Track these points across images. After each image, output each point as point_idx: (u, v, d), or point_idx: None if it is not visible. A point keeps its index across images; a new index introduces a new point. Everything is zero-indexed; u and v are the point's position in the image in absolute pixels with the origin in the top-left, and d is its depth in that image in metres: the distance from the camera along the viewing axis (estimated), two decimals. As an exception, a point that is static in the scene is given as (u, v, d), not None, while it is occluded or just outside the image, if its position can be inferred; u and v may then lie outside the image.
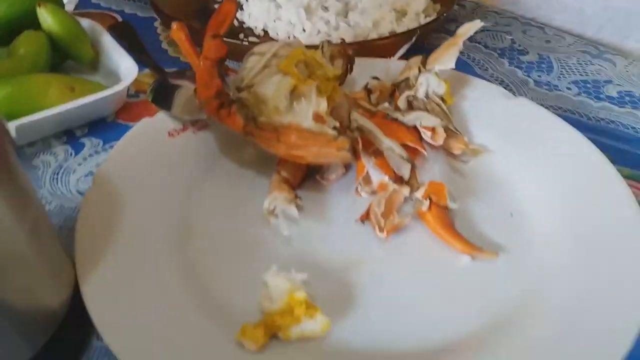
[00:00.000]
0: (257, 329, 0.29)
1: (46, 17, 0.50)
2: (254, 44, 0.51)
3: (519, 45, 0.57)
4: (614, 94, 0.50)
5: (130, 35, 0.58)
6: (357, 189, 0.38)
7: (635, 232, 0.33)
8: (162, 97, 0.45)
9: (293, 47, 0.40)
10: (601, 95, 0.50)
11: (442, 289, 0.33)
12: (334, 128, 0.35)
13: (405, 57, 0.48)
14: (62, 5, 0.54)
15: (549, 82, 0.52)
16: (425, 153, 0.40)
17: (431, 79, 0.42)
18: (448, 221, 0.35)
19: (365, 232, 0.36)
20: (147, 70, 0.52)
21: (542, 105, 0.46)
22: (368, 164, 0.37)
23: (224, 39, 0.39)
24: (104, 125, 0.46)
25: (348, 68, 0.45)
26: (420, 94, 0.42)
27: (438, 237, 0.35)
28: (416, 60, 0.44)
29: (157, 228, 0.34)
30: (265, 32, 0.58)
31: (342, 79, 0.44)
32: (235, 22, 0.59)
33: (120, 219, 0.34)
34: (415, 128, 0.41)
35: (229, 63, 0.53)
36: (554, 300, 0.31)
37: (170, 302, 0.31)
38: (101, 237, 0.32)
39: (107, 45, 0.51)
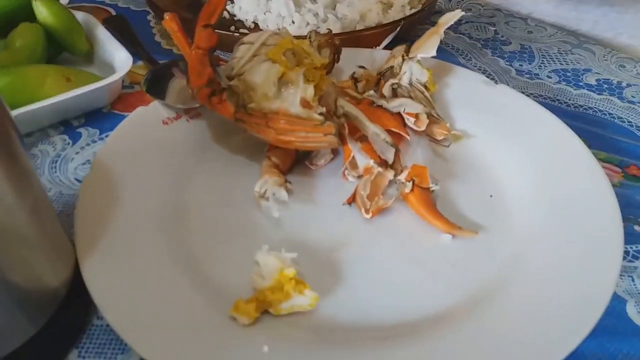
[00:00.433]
0: (249, 304, 0.31)
1: (42, 9, 0.51)
2: (244, 34, 0.52)
3: (502, 36, 0.59)
4: (593, 82, 0.52)
5: (124, 28, 0.59)
6: (344, 173, 0.40)
7: (606, 209, 0.35)
8: (156, 87, 0.46)
9: (281, 36, 0.42)
10: (580, 83, 0.52)
11: (424, 266, 0.35)
12: (321, 114, 0.37)
13: (390, 47, 0.49)
14: (57, -1, 0.55)
15: (530, 70, 0.54)
16: (409, 138, 0.42)
17: (414, 67, 0.44)
18: (430, 202, 0.37)
19: (352, 213, 0.38)
20: (141, 63, 0.54)
21: (523, 92, 0.48)
22: (354, 149, 0.39)
23: (215, 30, 0.40)
24: (100, 116, 0.48)
25: (335, 57, 0.47)
26: (404, 81, 0.44)
27: (420, 218, 0.37)
28: (400, 49, 0.45)
29: (153, 211, 0.36)
30: (256, 24, 0.59)
31: (329, 67, 0.46)
32: (226, 15, 0.61)
33: (117, 203, 0.35)
34: (399, 114, 0.43)
35: (220, 54, 0.54)
36: (530, 274, 0.33)
37: (166, 281, 0.32)
38: (99, 220, 0.34)
39: (101, 38, 0.53)
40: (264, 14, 0.59)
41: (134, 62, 0.50)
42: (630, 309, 0.33)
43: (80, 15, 0.54)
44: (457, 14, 0.44)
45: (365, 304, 0.33)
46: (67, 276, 0.31)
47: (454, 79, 0.47)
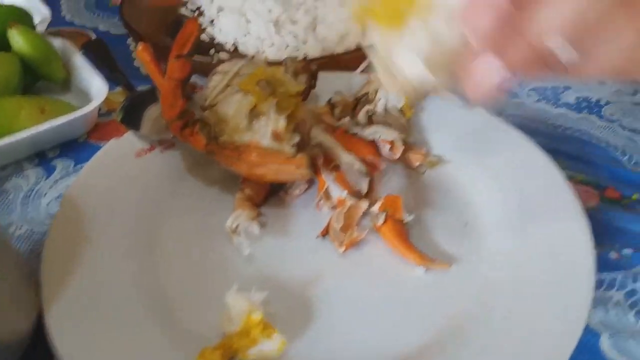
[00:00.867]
0: (216, 351, 0.30)
1: (17, 38, 0.51)
2: (221, 61, 0.52)
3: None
4: (572, 100, 0.52)
5: (103, 53, 0.59)
6: (318, 204, 0.40)
7: (578, 239, 0.35)
8: (131, 116, 0.46)
9: (255, 66, 0.41)
10: (560, 102, 0.52)
11: (397, 302, 0.34)
12: (294, 145, 0.37)
13: (369, 70, 0.49)
14: (33, 27, 0.55)
15: (510, 89, 0.54)
16: (383, 167, 0.41)
17: (390, 93, 0.43)
18: (403, 234, 0.37)
19: (326, 246, 0.37)
20: (119, 89, 0.54)
21: (502, 113, 0.48)
22: (328, 180, 0.39)
23: (195, 56, 0.40)
24: (76, 146, 0.47)
25: (311, 83, 0.46)
26: (380, 108, 0.44)
27: (393, 250, 0.37)
28: (375, 75, 0.45)
29: (123, 250, 0.35)
30: (236, 47, 0.59)
31: (305, 94, 0.45)
32: (206, 38, 0.61)
33: (86, 242, 0.35)
34: (374, 142, 0.42)
35: (200, 80, 0.54)
36: (501, 309, 0.33)
37: (134, 328, 0.32)
38: (67, 262, 0.34)
39: (78, 65, 0.53)
40: (244, 36, 0.58)
41: (112, 88, 0.50)
42: (604, 343, 0.32)
43: (57, 42, 0.54)
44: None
45: (337, 344, 0.32)
46: (30, 324, 0.30)
47: (430, 102, 0.46)
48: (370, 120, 0.44)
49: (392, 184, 0.42)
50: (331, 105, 0.46)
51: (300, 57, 0.56)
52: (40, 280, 0.32)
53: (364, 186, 0.39)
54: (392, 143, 0.42)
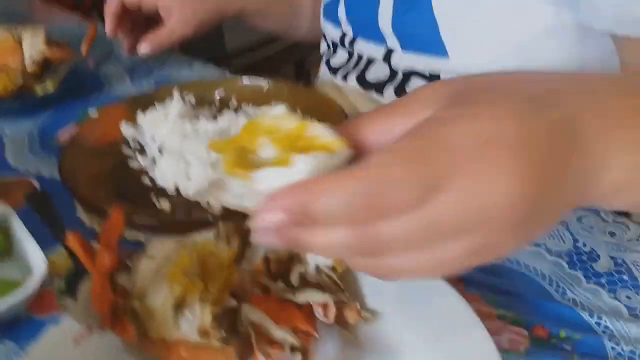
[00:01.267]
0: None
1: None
2: (161, 217, 0.54)
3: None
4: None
5: (46, 206, 0.60)
6: (255, 383, 0.40)
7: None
8: (70, 292, 0.46)
9: (185, 248, 0.42)
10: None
11: None
12: (220, 339, 0.38)
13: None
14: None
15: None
16: (316, 335, 0.42)
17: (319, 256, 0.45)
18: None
19: None
20: (60, 249, 0.54)
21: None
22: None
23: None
24: (17, 324, 0.47)
25: (246, 243, 0.48)
26: (311, 268, 0.45)
27: None
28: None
29: None
30: (178, 191, 0.60)
31: (239, 257, 0.47)
32: (148, 182, 0.62)
33: None
34: (309, 305, 0.44)
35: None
36: None
37: None
38: None
39: (18, 236, 0.53)
40: (185, 180, 0.60)
41: (54, 247, 0.50)
42: None
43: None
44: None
45: None
46: None
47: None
48: (304, 281, 0.45)
49: (326, 350, 0.43)
50: (266, 260, 0.47)
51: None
52: None
53: (297, 361, 0.40)
54: (324, 306, 0.43)
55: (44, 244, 0.53)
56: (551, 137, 0.28)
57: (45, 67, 0.80)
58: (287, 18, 0.90)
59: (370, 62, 0.70)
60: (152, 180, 0.62)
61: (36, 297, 0.50)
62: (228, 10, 0.82)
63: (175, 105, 0.66)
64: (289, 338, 0.40)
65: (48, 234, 0.55)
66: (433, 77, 0.63)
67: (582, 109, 0.29)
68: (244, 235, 0.47)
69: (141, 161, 0.65)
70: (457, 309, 0.42)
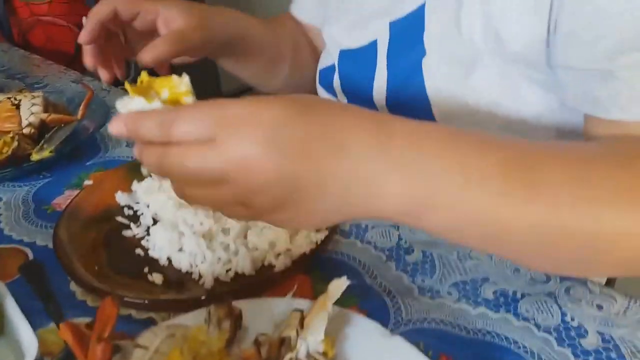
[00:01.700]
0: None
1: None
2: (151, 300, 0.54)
3: (405, 242, 0.62)
4: (490, 296, 0.55)
5: (39, 277, 0.60)
6: None
7: None
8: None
9: (175, 340, 0.43)
10: (479, 299, 0.55)
11: None
12: None
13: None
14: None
15: (431, 287, 0.56)
16: None
17: (309, 340, 0.45)
18: None
19: None
20: (52, 325, 0.54)
21: (425, 319, 0.51)
22: None
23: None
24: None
25: (237, 325, 0.48)
26: (302, 354, 0.45)
27: None
28: (295, 318, 0.47)
29: None
30: (170, 262, 0.61)
31: (230, 340, 0.47)
32: (141, 253, 0.62)
33: None
34: (299, 392, 0.44)
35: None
36: None
37: None
38: None
39: (10, 312, 0.53)
40: (178, 251, 0.61)
41: (46, 323, 0.50)
42: None
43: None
44: (343, 284, 0.46)
45: None
46: None
47: (352, 330, 0.49)
48: (294, 366, 0.45)
49: None
50: (257, 344, 0.47)
51: (232, 272, 0.58)
52: None
53: None
54: (314, 393, 0.43)
55: (36, 317, 0.53)
56: (308, 130, 0.38)
57: (42, 130, 0.82)
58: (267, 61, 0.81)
59: None
60: (145, 250, 0.63)
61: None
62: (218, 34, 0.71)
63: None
64: None
65: (41, 306, 0.56)
66: None
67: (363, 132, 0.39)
68: (236, 318, 0.48)
69: (135, 230, 0.65)
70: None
